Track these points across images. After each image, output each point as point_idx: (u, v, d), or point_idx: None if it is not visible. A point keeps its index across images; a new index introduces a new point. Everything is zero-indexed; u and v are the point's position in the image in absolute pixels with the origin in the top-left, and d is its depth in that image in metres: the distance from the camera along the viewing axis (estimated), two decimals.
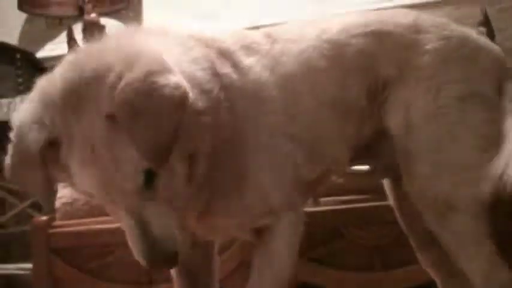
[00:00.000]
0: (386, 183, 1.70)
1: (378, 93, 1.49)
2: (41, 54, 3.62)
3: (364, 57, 1.49)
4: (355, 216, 1.98)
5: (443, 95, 1.45)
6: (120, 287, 2.11)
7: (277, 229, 1.38)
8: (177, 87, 1.11)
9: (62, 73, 1.19)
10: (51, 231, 2.21)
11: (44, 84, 1.21)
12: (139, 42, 1.23)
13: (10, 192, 3.23)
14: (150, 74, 1.10)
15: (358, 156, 1.58)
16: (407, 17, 1.54)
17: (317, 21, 1.58)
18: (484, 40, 1.56)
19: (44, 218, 2.24)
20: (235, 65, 1.39)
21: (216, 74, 1.32)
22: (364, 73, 1.49)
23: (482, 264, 1.43)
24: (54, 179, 1.20)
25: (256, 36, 1.50)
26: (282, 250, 1.39)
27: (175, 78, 1.12)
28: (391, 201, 1.70)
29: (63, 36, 3.36)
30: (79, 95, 1.14)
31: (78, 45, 3.31)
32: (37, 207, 3.00)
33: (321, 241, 1.99)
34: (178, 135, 1.12)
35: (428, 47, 1.48)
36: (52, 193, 1.22)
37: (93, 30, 3.09)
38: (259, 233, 1.40)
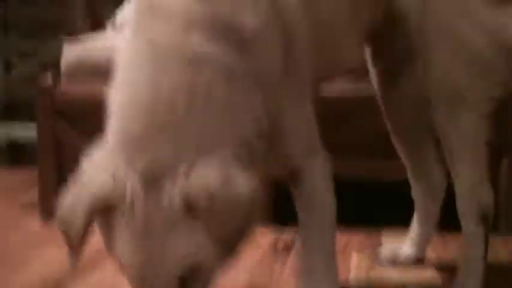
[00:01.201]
0: (373, 71, 1.65)
1: None
2: None
3: None
4: (361, 103, 1.94)
5: None
6: None
7: (312, 170, 1.31)
8: (251, 189, 1.02)
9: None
10: (56, 93, 2.16)
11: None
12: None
13: (16, 53, 3.22)
14: (224, 169, 1.01)
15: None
16: None
17: None
18: None
19: (49, 80, 2.19)
20: None
21: None
22: None
23: (474, 175, 1.46)
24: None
25: None
26: (324, 191, 1.32)
27: (247, 178, 1.03)
28: (376, 87, 1.66)
29: None
30: (153, 172, 1.01)
31: None
32: (43, 68, 2.97)
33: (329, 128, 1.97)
34: None
35: None
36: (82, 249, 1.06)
37: None
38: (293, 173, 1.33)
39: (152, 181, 1.00)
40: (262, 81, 1.12)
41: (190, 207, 0.99)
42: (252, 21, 1.12)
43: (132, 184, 1.00)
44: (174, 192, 1.00)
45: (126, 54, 1.13)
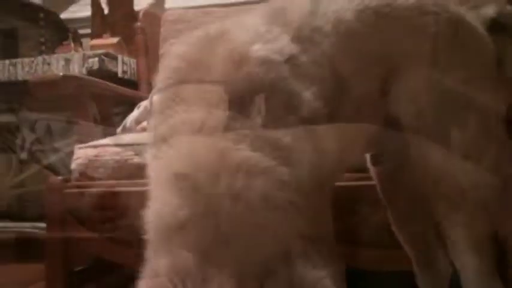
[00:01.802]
0: (372, 170, 1.71)
1: (386, 83, 1.44)
2: (64, 15, 3.62)
3: (379, 46, 1.42)
4: (367, 193, 1.93)
5: (446, 81, 1.42)
6: (133, 250, 2.11)
7: None
8: None
9: None
10: (66, 191, 2.20)
11: None
12: None
13: (28, 152, 3.29)
14: None
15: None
16: None
17: None
18: (476, 23, 1.52)
19: (60, 178, 2.24)
20: None
21: None
22: (380, 63, 1.43)
23: (480, 268, 1.43)
24: None
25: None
26: None
27: None
28: (374, 177, 1.72)
29: None
30: None
31: (102, 8, 3.32)
32: (53, 168, 3.01)
33: (334, 217, 1.97)
34: None
35: (430, 31, 1.44)
36: None
37: None
38: None
39: None
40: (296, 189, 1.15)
41: None
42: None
43: None
44: None
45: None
